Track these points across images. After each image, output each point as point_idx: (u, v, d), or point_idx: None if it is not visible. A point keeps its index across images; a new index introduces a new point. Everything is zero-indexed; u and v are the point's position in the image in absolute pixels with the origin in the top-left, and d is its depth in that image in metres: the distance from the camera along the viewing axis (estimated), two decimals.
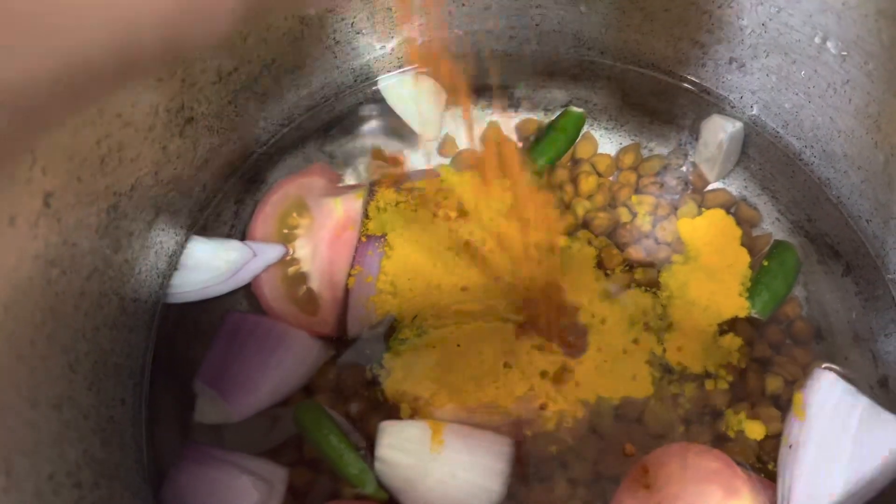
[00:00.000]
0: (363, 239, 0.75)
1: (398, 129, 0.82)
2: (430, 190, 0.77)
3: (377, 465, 0.63)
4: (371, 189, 0.78)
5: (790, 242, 0.75)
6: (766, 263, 0.73)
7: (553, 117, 0.82)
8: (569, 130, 0.80)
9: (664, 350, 0.70)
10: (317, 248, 0.74)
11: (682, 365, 0.69)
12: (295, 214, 0.76)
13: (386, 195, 0.77)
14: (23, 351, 0.50)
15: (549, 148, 0.79)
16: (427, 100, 0.80)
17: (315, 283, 0.73)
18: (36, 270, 0.52)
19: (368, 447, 0.65)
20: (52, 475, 0.50)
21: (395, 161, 0.81)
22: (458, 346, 0.70)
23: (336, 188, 0.78)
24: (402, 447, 0.63)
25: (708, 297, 0.71)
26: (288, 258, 0.74)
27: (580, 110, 0.82)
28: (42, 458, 0.49)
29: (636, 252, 0.74)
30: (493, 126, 0.81)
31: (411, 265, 0.73)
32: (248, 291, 0.73)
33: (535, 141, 0.81)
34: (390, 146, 0.81)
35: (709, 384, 0.68)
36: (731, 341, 0.69)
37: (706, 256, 0.74)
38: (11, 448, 0.46)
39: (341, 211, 0.75)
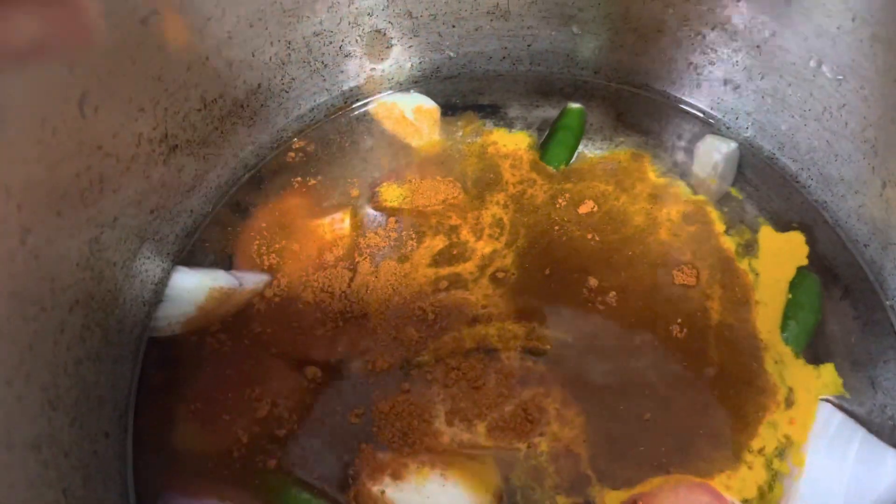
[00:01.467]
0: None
1: (388, 148, 0.81)
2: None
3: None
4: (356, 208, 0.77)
5: (810, 271, 0.73)
6: (791, 296, 0.72)
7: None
8: (574, 127, 0.80)
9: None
10: (306, 271, 0.73)
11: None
12: (281, 236, 0.75)
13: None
14: None
15: (561, 149, 0.79)
16: (424, 115, 0.79)
17: (303, 306, 0.72)
18: (12, 309, 0.51)
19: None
20: None
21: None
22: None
23: (321, 209, 0.77)
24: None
25: None
26: (276, 283, 0.73)
27: (578, 105, 0.81)
28: (17, 501, 0.48)
29: None
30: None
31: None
32: (234, 321, 0.72)
33: (544, 145, 0.80)
34: (380, 165, 0.80)
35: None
36: None
37: None
38: None
39: (329, 229, 0.74)
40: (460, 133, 0.82)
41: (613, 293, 0.72)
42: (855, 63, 0.63)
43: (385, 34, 0.77)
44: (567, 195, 0.78)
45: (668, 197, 0.77)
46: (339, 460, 0.65)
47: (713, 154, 0.77)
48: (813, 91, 0.69)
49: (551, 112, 0.84)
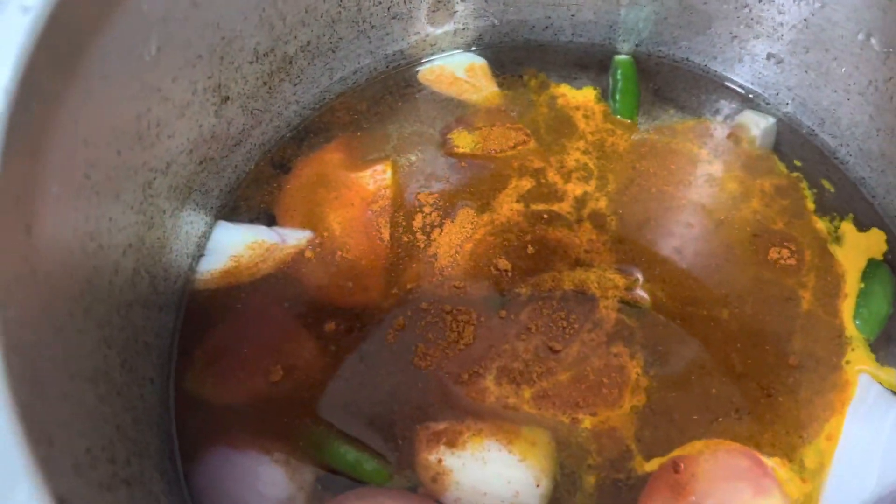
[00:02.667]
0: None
1: (444, 104, 0.82)
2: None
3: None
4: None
5: (883, 262, 0.74)
6: (863, 285, 0.72)
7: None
8: (632, 76, 0.82)
9: None
10: (350, 222, 0.74)
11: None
12: (322, 191, 0.75)
13: None
14: (61, 323, 0.49)
15: (630, 99, 0.81)
16: (477, 72, 0.80)
17: (352, 255, 0.72)
18: (75, 242, 0.51)
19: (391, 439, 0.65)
20: (90, 449, 0.49)
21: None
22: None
23: (361, 162, 0.77)
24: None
25: None
26: (318, 239, 0.73)
27: (626, 56, 0.83)
28: (78, 432, 0.49)
29: None
30: None
31: None
32: (276, 276, 0.72)
33: (612, 98, 0.81)
34: (434, 120, 0.81)
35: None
36: None
37: None
38: (50, 420, 0.45)
39: (370, 183, 0.75)
40: (524, 87, 0.83)
41: (707, 258, 0.72)
42: None
43: None
44: (648, 146, 0.79)
45: (760, 168, 0.78)
46: (388, 418, 0.66)
47: (751, 129, 0.78)
48: (859, 65, 0.70)
49: (586, 84, 0.84)
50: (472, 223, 0.74)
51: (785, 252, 0.73)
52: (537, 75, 0.84)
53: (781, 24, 0.73)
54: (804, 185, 0.77)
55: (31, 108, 0.44)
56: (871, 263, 0.73)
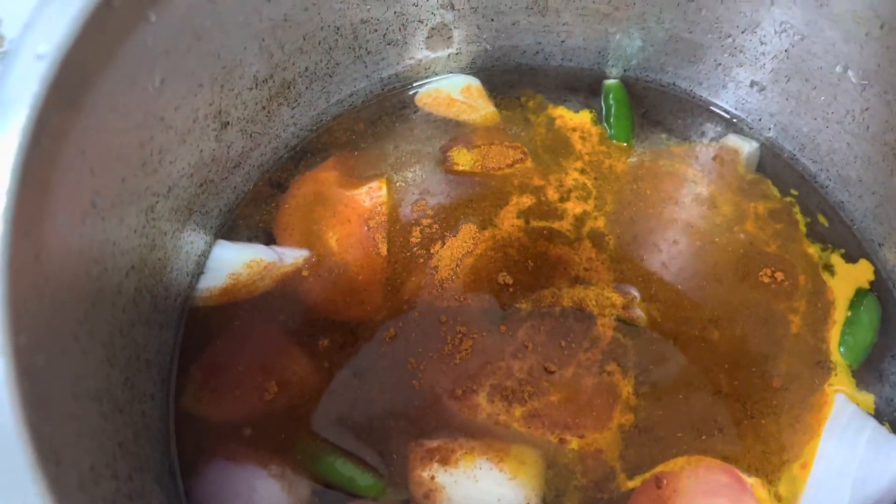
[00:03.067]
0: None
1: (441, 125, 0.84)
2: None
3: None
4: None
5: (870, 291, 0.76)
6: (850, 314, 0.74)
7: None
8: (624, 100, 0.84)
9: None
10: (347, 238, 0.76)
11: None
12: (319, 209, 0.77)
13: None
14: (67, 346, 0.52)
15: (625, 122, 0.83)
16: (473, 93, 0.83)
17: (349, 271, 0.75)
18: (80, 267, 0.54)
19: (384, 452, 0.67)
20: (93, 466, 0.51)
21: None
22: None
23: (357, 180, 0.80)
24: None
25: None
26: (315, 257, 0.75)
27: (614, 80, 0.86)
28: (83, 450, 0.51)
29: None
30: None
31: None
32: (274, 293, 0.75)
33: (608, 124, 0.84)
34: (424, 146, 0.83)
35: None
36: None
37: None
38: (58, 439, 0.47)
39: (366, 200, 0.77)
40: (522, 108, 0.85)
41: (701, 278, 0.75)
42: (880, 69, 0.67)
43: (426, 25, 0.79)
44: (645, 169, 0.81)
45: (754, 192, 0.80)
46: (382, 432, 0.68)
47: (734, 153, 0.80)
48: (837, 95, 0.73)
49: (578, 107, 0.86)
50: (473, 238, 0.77)
51: (779, 275, 0.75)
52: (535, 97, 0.86)
53: (763, 54, 0.76)
54: (797, 209, 0.79)
55: (42, 144, 0.46)
56: (859, 292, 0.75)
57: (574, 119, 0.85)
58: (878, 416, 0.69)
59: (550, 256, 0.76)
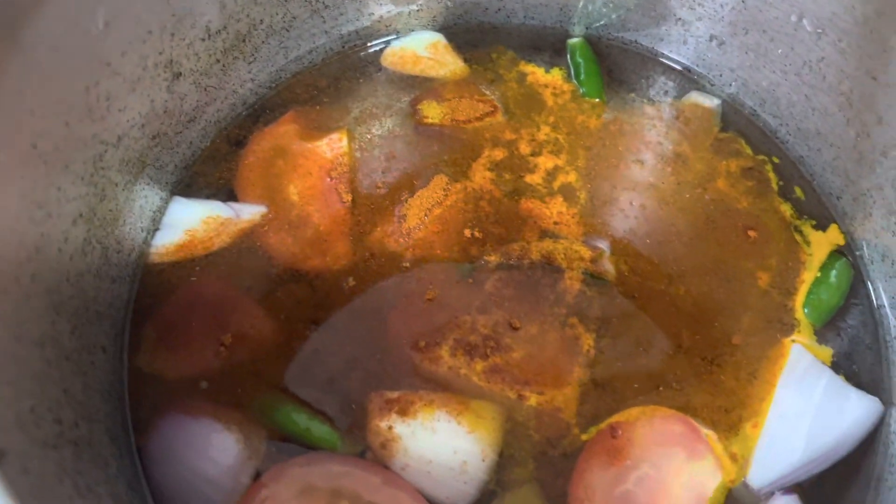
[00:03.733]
0: None
1: (409, 81, 0.84)
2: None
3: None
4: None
5: (844, 255, 0.76)
6: (819, 275, 0.74)
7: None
8: (591, 57, 0.84)
9: None
10: (309, 191, 0.75)
11: None
12: (279, 162, 0.77)
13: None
14: (7, 286, 0.51)
15: (595, 79, 0.84)
16: (439, 49, 0.83)
17: (312, 223, 0.74)
18: (22, 209, 0.53)
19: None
20: (34, 408, 0.51)
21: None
22: None
23: (317, 132, 0.79)
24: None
25: None
26: (273, 212, 0.75)
27: (578, 38, 0.86)
28: (24, 390, 0.50)
29: None
30: None
31: None
32: (231, 249, 0.74)
33: (578, 81, 0.84)
34: (392, 101, 0.83)
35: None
36: None
37: None
38: None
39: (328, 151, 0.76)
40: (492, 63, 0.85)
41: (671, 234, 0.75)
42: (834, 16, 0.67)
43: None
44: (617, 125, 0.81)
45: (727, 150, 0.80)
46: (341, 384, 0.68)
47: (696, 110, 0.80)
48: (794, 45, 0.73)
49: (542, 66, 0.86)
50: (443, 189, 0.76)
51: (751, 233, 0.75)
52: (505, 52, 0.86)
53: (722, 6, 0.76)
54: (769, 167, 0.79)
55: None
56: (833, 255, 0.75)
57: (546, 76, 0.85)
58: (835, 368, 0.69)
59: (521, 210, 0.76)
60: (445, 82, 0.84)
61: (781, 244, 0.75)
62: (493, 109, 0.81)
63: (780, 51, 0.74)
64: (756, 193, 0.78)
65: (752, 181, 0.78)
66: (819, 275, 0.74)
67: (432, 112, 0.81)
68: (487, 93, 0.83)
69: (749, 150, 0.80)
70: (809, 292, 0.73)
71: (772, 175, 0.79)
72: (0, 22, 0.47)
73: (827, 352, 0.71)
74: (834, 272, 0.74)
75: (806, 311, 0.72)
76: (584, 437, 0.66)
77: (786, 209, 0.77)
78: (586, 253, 0.73)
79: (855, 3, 0.64)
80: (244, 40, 0.75)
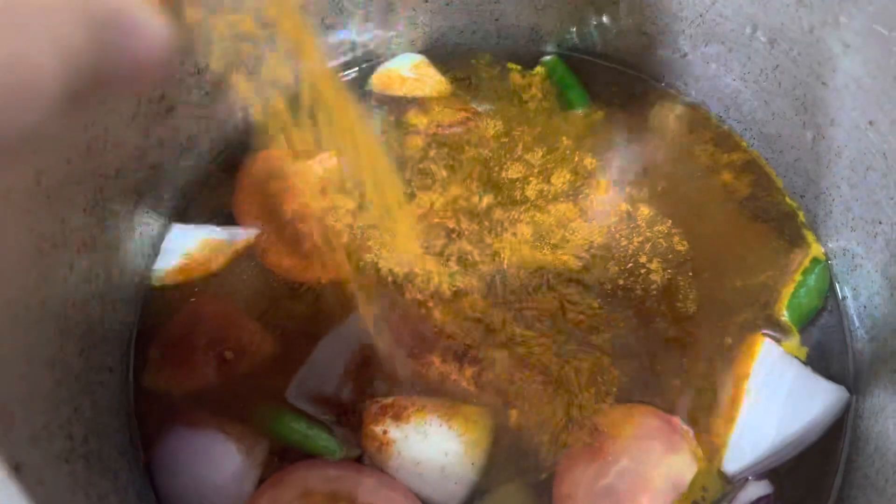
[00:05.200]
0: None
1: (394, 102, 0.88)
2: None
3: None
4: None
5: (821, 258, 0.79)
6: (799, 278, 0.77)
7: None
8: (568, 72, 0.89)
9: None
10: (302, 209, 0.79)
11: None
12: (273, 184, 0.81)
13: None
14: (18, 313, 0.55)
15: (577, 90, 0.88)
16: (422, 68, 0.88)
17: (306, 241, 0.78)
18: (30, 241, 0.57)
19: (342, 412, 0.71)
20: (47, 425, 0.55)
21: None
22: None
23: (307, 152, 0.83)
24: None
25: None
26: (266, 233, 0.79)
27: (550, 56, 0.90)
28: (37, 410, 0.54)
29: None
30: None
31: None
32: (228, 271, 0.78)
33: (562, 98, 0.88)
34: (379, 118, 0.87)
35: None
36: None
37: None
38: (9, 397, 0.51)
39: (319, 170, 0.81)
40: (475, 72, 0.90)
41: (675, 227, 0.79)
42: (783, 26, 0.71)
43: (362, 8, 0.83)
44: (595, 135, 0.85)
45: (701, 155, 0.85)
46: (337, 393, 0.71)
47: (665, 120, 0.84)
48: (751, 55, 0.77)
49: (512, 88, 0.90)
50: (430, 198, 0.80)
51: (761, 227, 0.79)
52: (484, 56, 0.90)
53: (682, 20, 0.80)
54: (769, 168, 0.83)
55: None
56: (815, 260, 0.78)
57: (526, 79, 0.89)
58: (808, 361, 0.72)
59: (508, 216, 0.80)
60: (430, 99, 0.88)
61: (762, 248, 0.79)
62: (475, 115, 0.85)
63: (738, 60, 0.78)
64: (731, 196, 0.82)
65: (726, 185, 0.82)
66: (799, 279, 0.77)
67: (418, 121, 0.85)
68: (473, 105, 0.87)
69: (722, 156, 0.84)
70: (792, 296, 0.76)
71: (769, 170, 0.83)
72: None
73: (803, 350, 0.74)
74: (813, 276, 0.77)
75: (786, 314, 0.75)
76: (566, 436, 0.69)
77: (791, 202, 0.81)
78: (573, 261, 0.77)
79: (801, 13, 0.68)
80: (232, 73, 0.79)
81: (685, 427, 0.70)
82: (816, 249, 0.79)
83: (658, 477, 0.68)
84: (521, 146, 0.84)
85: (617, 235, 0.78)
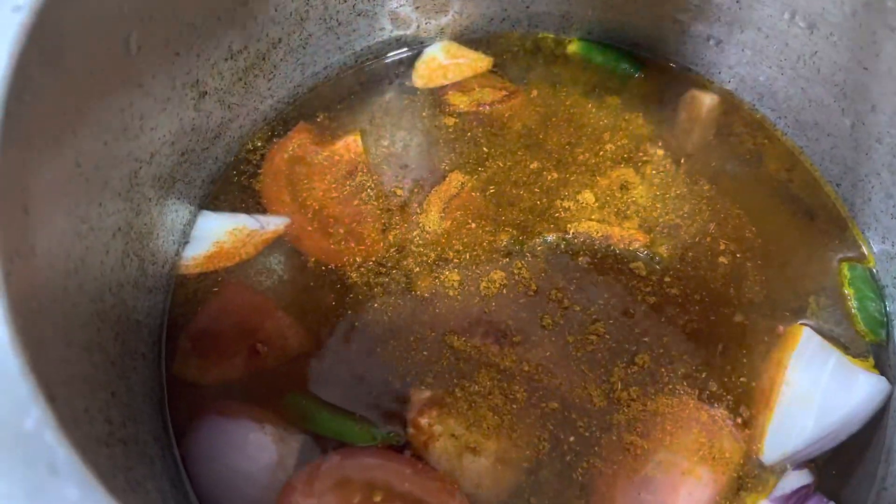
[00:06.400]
0: None
1: (406, 95, 0.88)
2: None
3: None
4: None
5: (853, 261, 0.78)
6: (850, 292, 0.76)
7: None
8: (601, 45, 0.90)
9: None
10: (330, 193, 0.79)
11: None
12: (299, 170, 0.81)
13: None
14: (56, 295, 0.54)
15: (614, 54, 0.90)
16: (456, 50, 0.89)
17: (347, 221, 0.78)
18: (68, 224, 0.57)
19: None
20: (87, 408, 0.54)
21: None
22: None
23: (329, 137, 0.83)
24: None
25: None
26: (296, 221, 0.78)
27: (581, 43, 0.91)
28: (76, 392, 0.54)
29: None
30: None
31: None
32: (255, 261, 0.77)
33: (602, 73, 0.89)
34: (401, 109, 0.86)
35: None
36: None
37: None
38: (52, 378, 0.50)
39: (344, 153, 0.80)
40: (512, 45, 0.90)
41: (719, 216, 0.79)
42: (825, 11, 0.70)
43: None
44: (625, 124, 0.85)
45: (730, 144, 0.84)
46: (371, 384, 0.71)
47: (696, 108, 0.83)
48: (788, 41, 0.76)
49: (546, 71, 0.89)
50: (460, 184, 0.80)
51: (795, 214, 0.79)
52: (523, 37, 0.91)
53: (717, 7, 0.79)
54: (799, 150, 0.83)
55: (25, 100, 0.49)
56: (846, 265, 0.77)
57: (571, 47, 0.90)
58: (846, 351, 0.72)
59: (554, 198, 0.79)
60: (470, 79, 0.88)
61: (797, 236, 0.78)
62: (515, 91, 0.85)
63: (775, 47, 0.77)
64: (765, 184, 0.81)
65: (759, 173, 0.82)
66: (852, 290, 0.76)
67: (458, 100, 0.85)
68: (510, 79, 0.88)
69: (755, 144, 0.83)
70: (858, 310, 0.75)
71: (778, 166, 0.82)
72: (45, 43, 0.50)
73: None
74: (861, 285, 0.76)
75: (866, 328, 0.74)
76: (608, 426, 0.68)
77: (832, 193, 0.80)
78: (640, 235, 0.76)
79: None
80: (264, 59, 0.78)
81: (724, 418, 0.69)
82: (854, 237, 0.78)
83: (696, 468, 0.67)
84: (564, 117, 0.84)
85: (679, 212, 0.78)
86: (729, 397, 0.70)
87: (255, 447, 0.69)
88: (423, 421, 0.68)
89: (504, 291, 0.74)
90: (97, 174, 0.60)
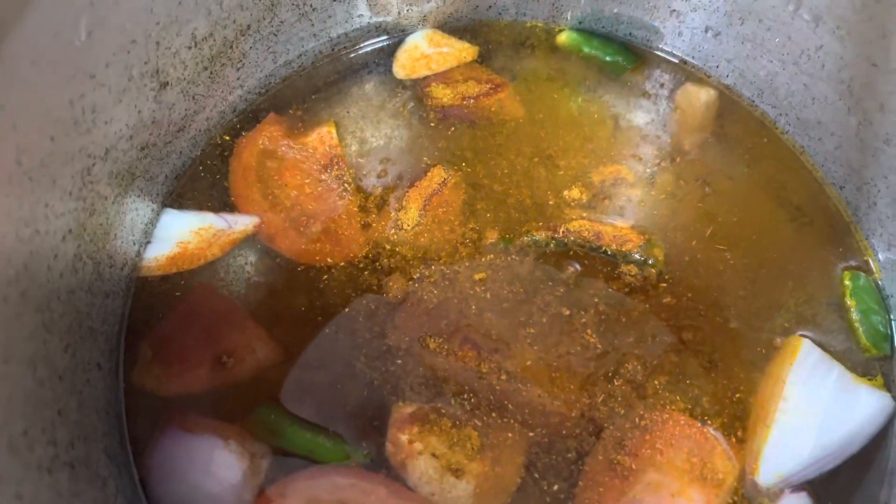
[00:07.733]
0: None
1: (384, 85, 0.83)
2: None
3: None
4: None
5: (855, 270, 0.74)
6: (853, 303, 0.72)
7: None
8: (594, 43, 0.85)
9: None
10: (303, 189, 0.75)
11: None
12: (270, 164, 0.76)
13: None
14: None
15: (612, 46, 0.85)
16: (440, 38, 0.84)
17: (323, 218, 0.74)
18: (9, 227, 0.52)
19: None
20: (27, 431, 0.49)
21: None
22: None
23: (301, 129, 0.78)
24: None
25: None
26: (266, 220, 0.73)
27: (572, 33, 0.85)
28: (15, 413, 0.49)
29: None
30: None
31: None
32: (221, 263, 0.73)
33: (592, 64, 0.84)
34: (381, 101, 0.82)
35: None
36: None
37: None
38: None
39: (318, 146, 0.75)
40: (498, 35, 0.86)
41: (714, 222, 0.75)
42: (832, 3, 0.66)
43: None
44: (615, 119, 0.81)
45: (727, 142, 0.80)
46: (345, 397, 0.66)
47: (693, 102, 0.79)
48: (791, 34, 0.71)
49: (536, 65, 0.85)
50: (441, 179, 0.76)
51: (796, 218, 0.75)
52: (509, 26, 0.86)
53: None
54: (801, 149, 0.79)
55: None
56: (847, 275, 0.74)
57: (559, 38, 0.85)
58: (845, 363, 0.68)
59: (538, 194, 0.75)
60: (453, 69, 0.83)
61: (797, 242, 0.74)
62: (501, 83, 0.81)
63: (777, 40, 0.73)
64: (763, 185, 0.77)
65: (758, 174, 0.78)
66: (854, 302, 0.72)
67: (442, 94, 0.80)
68: (495, 71, 0.83)
69: (754, 143, 0.79)
70: (860, 323, 0.71)
71: (777, 167, 0.78)
72: None
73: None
74: (864, 295, 0.72)
75: (870, 343, 0.71)
76: (593, 446, 0.65)
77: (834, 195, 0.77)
78: (633, 236, 0.72)
79: None
80: (231, 46, 0.73)
81: (717, 436, 0.65)
82: (857, 244, 0.74)
83: (688, 489, 0.63)
84: (553, 111, 0.80)
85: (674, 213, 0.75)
86: (723, 413, 0.66)
87: (219, 465, 0.64)
88: (403, 437, 0.64)
89: (487, 295, 0.70)
90: (43, 172, 0.55)
